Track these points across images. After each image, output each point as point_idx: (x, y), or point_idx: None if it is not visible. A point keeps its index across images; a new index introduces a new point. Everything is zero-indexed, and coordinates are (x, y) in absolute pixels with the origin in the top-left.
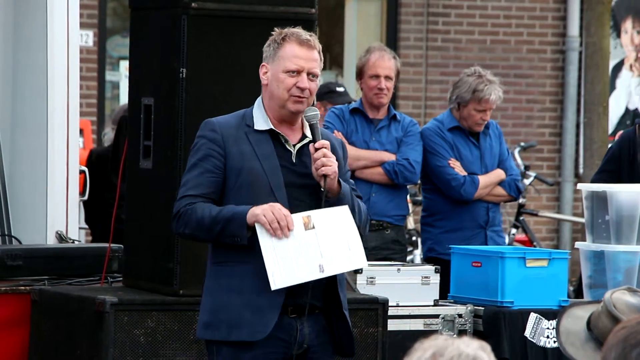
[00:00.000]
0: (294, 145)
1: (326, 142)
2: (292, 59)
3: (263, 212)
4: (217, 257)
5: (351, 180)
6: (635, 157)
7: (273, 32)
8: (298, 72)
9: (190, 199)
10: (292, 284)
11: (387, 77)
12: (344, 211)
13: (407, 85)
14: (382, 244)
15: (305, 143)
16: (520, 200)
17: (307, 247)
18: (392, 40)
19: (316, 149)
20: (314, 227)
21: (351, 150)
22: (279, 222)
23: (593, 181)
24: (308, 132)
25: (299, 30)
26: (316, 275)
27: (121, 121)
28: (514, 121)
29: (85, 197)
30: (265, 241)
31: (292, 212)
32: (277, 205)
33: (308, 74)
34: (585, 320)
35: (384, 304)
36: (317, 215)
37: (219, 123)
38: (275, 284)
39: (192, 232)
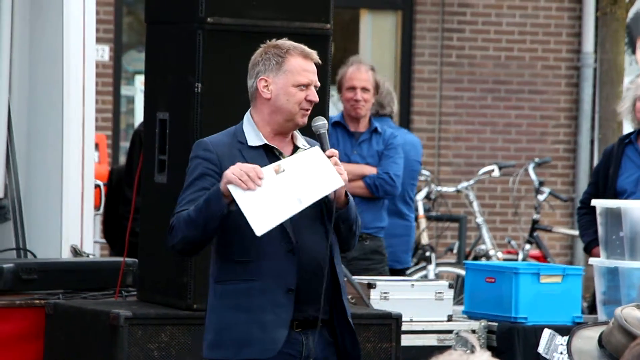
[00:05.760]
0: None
1: (335, 151)
2: (302, 72)
3: (231, 171)
4: (221, 275)
5: None
6: (608, 171)
7: (263, 45)
8: (307, 86)
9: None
10: (276, 225)
11: (364, 89)
12: (315, 152)
13: (421, 100)
14: (362, 254)
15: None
16: (534, 216)
17: (281, 187)
18: (407, 56)
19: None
20: (284, 171)
21: None
22: (248, 175)
23: (584, 194)
24: (299, 143)
25: (296, 43)
26: (296, 207)
27: (135, 136)
28: (529, 137)
29: (101, 211)
30: (241, 196)
31: (294, 224)
32: (244, 164)
33: (314, 86)
34: (596, 339)
35: (397, 319)
36: (288, 161)
37: (212, 142)
38: (258, 230)
39: (184, 235)
